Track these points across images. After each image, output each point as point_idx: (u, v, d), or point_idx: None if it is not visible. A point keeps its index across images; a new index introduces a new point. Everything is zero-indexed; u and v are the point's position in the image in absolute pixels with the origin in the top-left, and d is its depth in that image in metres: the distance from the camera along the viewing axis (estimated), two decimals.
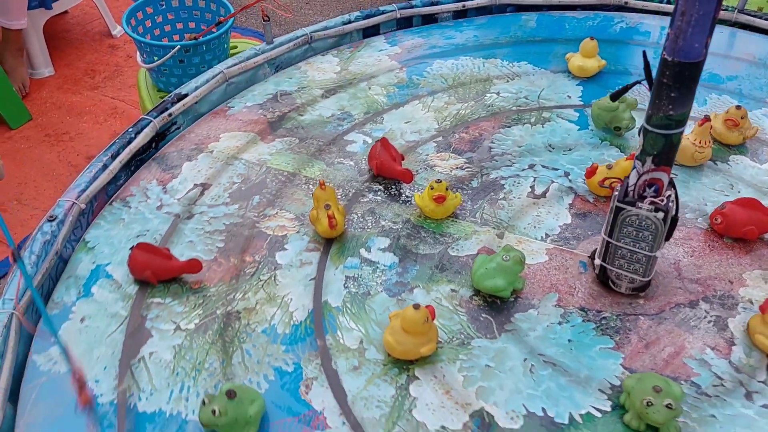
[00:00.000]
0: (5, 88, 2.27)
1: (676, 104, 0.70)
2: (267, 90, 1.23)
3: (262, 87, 1.24)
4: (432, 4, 1.41)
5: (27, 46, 2.51)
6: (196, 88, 1.16)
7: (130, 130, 1.06)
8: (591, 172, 0.97)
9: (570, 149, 1.08)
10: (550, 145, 1.09)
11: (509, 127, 1.13)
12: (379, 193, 1.01)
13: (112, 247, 0.93)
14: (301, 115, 1.16)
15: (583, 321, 0.82)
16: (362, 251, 0.91)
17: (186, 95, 1.14)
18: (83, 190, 0.95)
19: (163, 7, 1.83)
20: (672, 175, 0.77)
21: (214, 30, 1.65)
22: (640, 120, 1.09)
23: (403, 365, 0.77)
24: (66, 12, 2.84)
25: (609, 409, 0.73)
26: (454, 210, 0.97)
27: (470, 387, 0.75)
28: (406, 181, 1.00)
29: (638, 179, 0.77)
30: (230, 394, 0.69)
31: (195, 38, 1.65)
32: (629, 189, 0.78)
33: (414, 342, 0.76)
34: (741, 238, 0.91)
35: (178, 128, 1.13)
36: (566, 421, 0.72)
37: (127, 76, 2.67)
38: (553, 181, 1.02)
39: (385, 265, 0.89)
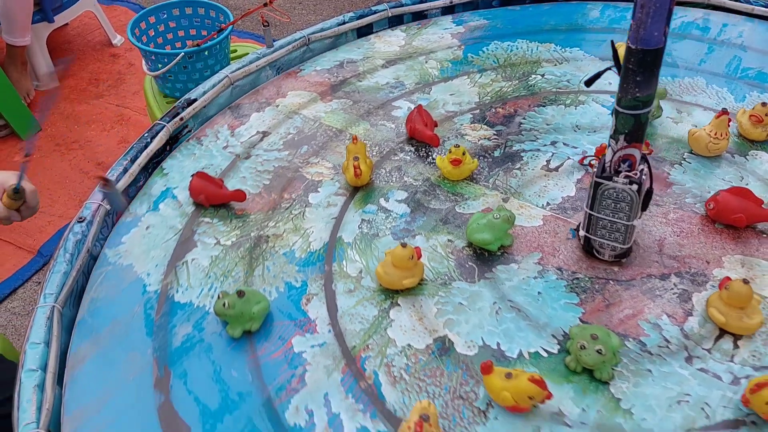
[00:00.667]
0: (14, 100, 2.39)
1: (642, 87, 0.79)
2: (336, 57, 1.38)
3: (332, 54, 1.39)
4: (421, 2, 1.49)
5: (31, 59, 2.64)
6: (204, 92, 1.25)
7: (146, 135, 1.16)
8: (600, 151, 1.05)
9: (595, 131, 1.15)
10: (577, 126, 1.17)
11: (544, 106, 1.22)
12: (409, 153, 1.14)
13: (181, 175, 1.12)
14: (360, 81, 1.31)
15: (557, 279, 0.92)
16: (381, 200, 1.05)
17: (195, 100, 1.23)
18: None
19: (165, 16, 1.94)
20: (685, 162, 0.87)
21: (215, 36, 1.76)
22: (669, 109, 1.16)
23: (390, 294, 0.91)
24: (66, 24, 2.95)
25: (556, 351, 0.83)
26: (470, 174, 1.08)
27: (440, 318, 0.88)
28: (434, 144, 1.13)
29: (613, 156, 0.85)
30: (240, 294, 0.86)
31: (197, 45, 1.75)
32: (606, 165, 0.87)
33: (399, 275, 0.89)
34: (731, 225, 0.96)
35: (189, 131, 1.22)
36: (515, 356, 0.83)
37: (130, 84, 2.75)
38: (569, 158, 1.10)
39: (397, 214, 1.03)
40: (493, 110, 1.22)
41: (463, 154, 1.05)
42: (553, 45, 1.38)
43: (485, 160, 1.12)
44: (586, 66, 1.31)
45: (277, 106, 1.27)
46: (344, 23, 1.42)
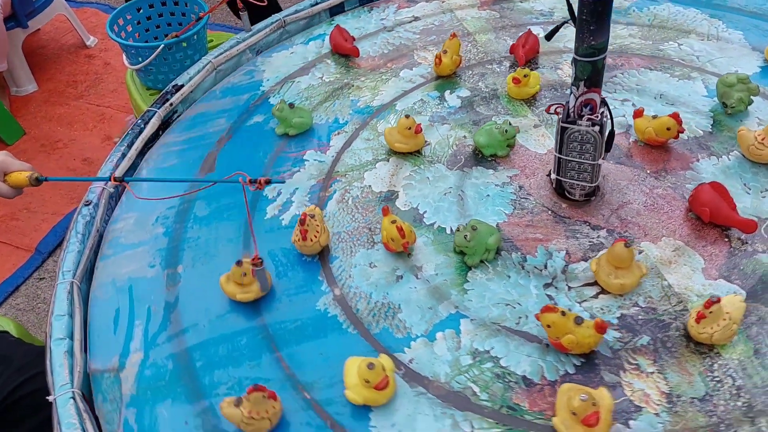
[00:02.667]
0: None
1: (596, 35, 0.87)
2: None
3: None
4: None
5: (9, 65, 2.67)
6: (190, 78, 1.30)
7: (139, 121, 1.21)
8: (638, 114, 1.08)
9: (672, 104, 1.15)
10: (661, 95, 1.18)
11: (651, 69, 1.24)
12: (502, 66, 1.31)
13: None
14: (521, 3, 1.48)
15: (512, 192, 1.05)
16: (447, 92, 1.26)
17: (182, 85, 1.28)
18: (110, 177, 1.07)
19: (141, 12, 1.97)
20: (724, 158, 0.98)
21: (192, 26, 1.77)
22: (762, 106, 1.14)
23: (389, 153, 1.15)
24: (38, 29, 2.95)
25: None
26: (528, 96, 1.21)
27: (404, 180, 1.08)
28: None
29: (576, 101, 0.92)
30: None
31: (176, 36, 1.76)
32: (570, 111, 0.94)
33: (397, 138, 1.11)
34: (704, 218, 0.96)
35: (179, 115, 1.27)
36: (428, 223, 1.01)
37: (108, 83, 2.79)
38: (623, 116, 1.14)
39: (448, 104, 1.22)
40: (610, 60, 1.24)
41: (525, 76, 1.17)
42: (721, 22, 1.34)
43: (554, 93, 1.21)
44: (728, 49, 1.27)
45: (443, 1, 1.48)
46: (317, 4, 1.47)
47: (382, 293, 0.92)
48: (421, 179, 1.08)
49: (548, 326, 0.81)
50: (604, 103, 0.95)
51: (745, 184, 1.01)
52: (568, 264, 0.93)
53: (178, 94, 1.26)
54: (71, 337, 0.88)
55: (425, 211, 1.03)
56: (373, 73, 1.31)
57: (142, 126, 1.20)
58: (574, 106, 0.93)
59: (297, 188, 1.09)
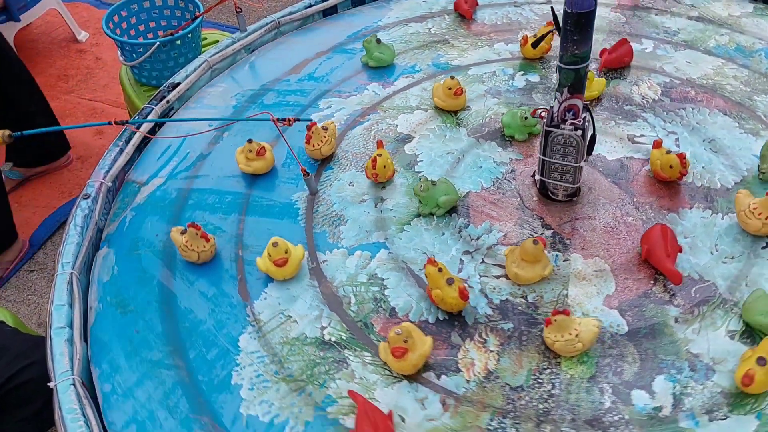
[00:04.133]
0: None
1: (579, 45, 0.90)
2: None
3: None
4: None
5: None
6: (187, 76, 1.31)
7: (137, 118, 1.24)
8: (657, 144, 1.06)
9: (714, 152, 1.10)
10: (711, 140, 1.12)
11: (725, 114, 1.17)
12: None
13: None
14: None
15: (503, 171, 1.11)
16: None
17: (179, 83, 1.30)
18: (107, 171, 1.13)
19: (136, 9, 2.02)
20: (708, 210, 0.97)
21: (188, 25, 1.84)
22: None
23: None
24: (30, 23, 2.92)
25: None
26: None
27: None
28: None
29: (559, 107, 0.96)
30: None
31: (171, 34, 1.81)
32: (554, 115, 0.98)
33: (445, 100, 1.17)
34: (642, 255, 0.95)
35: (176, 112, 1.29)
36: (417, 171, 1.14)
37: (100, 78, 2.76)
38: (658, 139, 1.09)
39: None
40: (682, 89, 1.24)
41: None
42: None
43: (614, 104, 1.23)
44: None
45: None
46: (311, 6, 1.50)
47: (342, 206, 1.07)
48: (439, 135, 1.18)
49: (426, 276, 0.91)
50: (586, 108, 0.98)
51: (715, 245, 0.97)
52: (497, 244, 1.00)
53: (174, 92, 1.28)
54: (71, 326, 0.90)
55: (421, 160, 1.14)
56: (473, 37, 1.40)
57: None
58: (558, 110, 0.97)
59: (344, 107, 1.26)
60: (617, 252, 0.97)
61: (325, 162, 1.15)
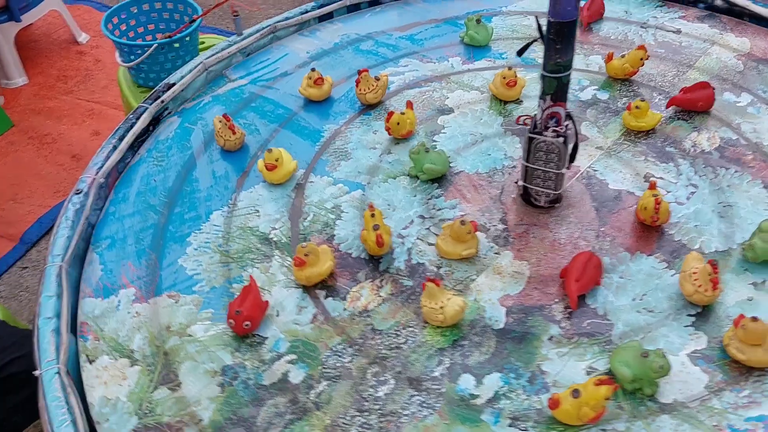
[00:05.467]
0: None
1: (562, 53, 0.92)
2: None
3: None
4: None
5: (0, 59, 2.69)
6: (182, 77, 1.34)
7: (131, 116, 1.26)
8: (651, 185, 1.04)
9: (722, 217, 1.04)
10: (724, 207, 1.06)
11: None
12: None
13: None
14: None
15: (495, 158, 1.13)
16: None
17: (174, 84, 1.32)
18: (100, 168, 1.15)
19: (135, 11, 2.04)
20: (664, 263, 0.97)
21: (186, 28, 1.86)
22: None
23: None
24: (31, 24, 2.89)
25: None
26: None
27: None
28: None
29: (542, 114, 0.99)
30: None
31: (169, 37, 1.83)
32: (537, 122, 1.01)
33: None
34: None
35: (170, 113, 1.31)
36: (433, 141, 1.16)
37: (99, 79, 2.75)
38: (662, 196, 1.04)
39: None
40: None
41: (636, 107, 1.18)
42: None
43: (669, 140, 1.20)
44: None
45: (711, 43, 1.42)
46: (307, 12, 1.52)
47: (354, 146, 1.21)
48: (476, 117, 1.24)
49: (363, 217, 1.03)
50: (569, 116, 0.99)
51: (642, 295, 0.94)
52: (452, 219, 1.07)
53: (169, 92, 1.31)
54: (58, 317, 0.92)
55: (444, 132, 1.22)
56: (581, 44, 1.41)
57: (134, 120, 1.25)
58: (541, 118, 1.00)
59: (417, 70, 1.37)
60: (546, 265, 0.99)
61: (370, 107, 1.29)
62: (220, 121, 1.21)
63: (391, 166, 1.17)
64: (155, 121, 1.29)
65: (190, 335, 0.93)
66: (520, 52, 1.01)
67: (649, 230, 1.03)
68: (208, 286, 1.00)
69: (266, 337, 0.93)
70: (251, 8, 1.63)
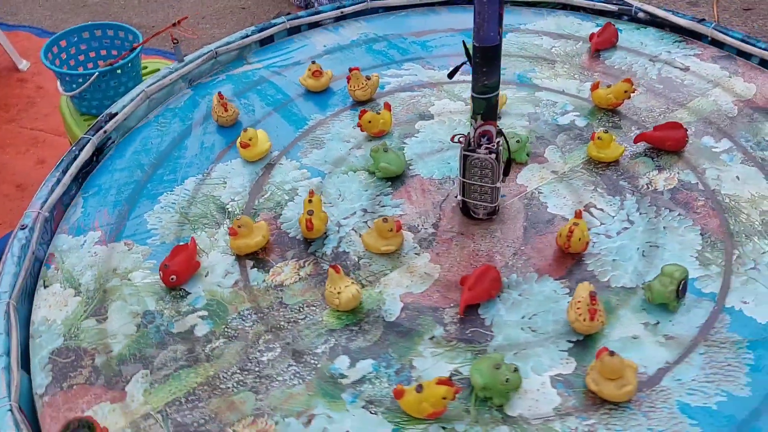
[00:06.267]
0: None
1: (488, 76, 0.98)
2: (41, 363, 1.21)
3: (39, 368, 1.07)
4: (315, 14, 1.61)
5: None
6: (124, 106, 1.35)
7: (74, 148, 1.26)
8: (576, 214, 1.06)
9: (655, 246, 1.07)
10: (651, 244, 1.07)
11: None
12: None
13: None
14: None
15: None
16: None
17: (116, 113, 1.33)
18: (45, 202, 1.16)
19: (76, 39, 2.03)
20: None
21: (127, 55, 1.86)
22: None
23: None
24: None
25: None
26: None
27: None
28: None
29: (475, 132, 1.04)
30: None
31: (111, 64, 1.83)
32: (470, 140, 1.06)
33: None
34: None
35: (113, 142, 1.33)
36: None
37: (42, 106, 2.66)
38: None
39: None
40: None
41: (599, 138, 1.27)
42: None
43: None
44: None
45: (718, 85, 1.54)
46: (247, 36, 1.53)
47: (330, 137, 1.30)
48: (451, 126, 1.30)
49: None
50: (500, 133, 1.04)
51: (532, 315, 0.98)
52: (387, 220, 1.13)
53: (111, 122, 1.32)
54: (8, 354, 0.93)
55: (416, 137, 1.29)
56: (577, 68, 1.43)
57: (77, 152, 1.26)
58: (474, 136, 1.05)
59: (416, 75, 1.44)
60: (456, 272, 1.05)
61: (360, 104, 1.38)
62: (216, 99, 1.34)
63: (357, 161, 1.25)
64: (99, 152, 1.30)
65: (129, 279, 1.07)
66: (450, 75, 1.06)
67: (567, 257, 1.06)
68: (160, 241, 1.13)
69: (189, 293, 1.05)
70: (191, 36, 1.59)
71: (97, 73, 1.86)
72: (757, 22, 2.97)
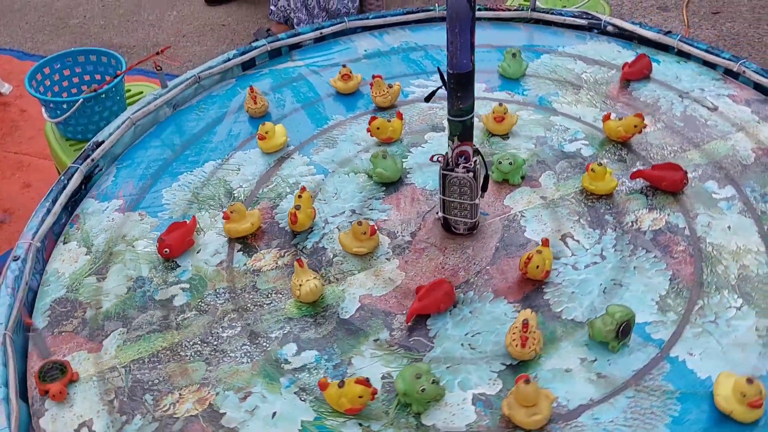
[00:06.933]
0: None
1: (462, 100, 1.03)
2: (42, 308, 1.25)
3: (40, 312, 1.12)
4: (295, 35, 1.63)
5: None
6: (110, 134, 1.37)
7: (63, 177, 1.29)
8: (544, 242, 1.09)
9: (620, 285, 1.07)
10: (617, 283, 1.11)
11: None
12: None
13: None
14: None
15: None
16: None
17: (103, 141, 1.35)
18: (35, 232, 1.18)
19: (59, 67, 2.04)
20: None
21: (110, 81, 1.88)
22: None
23: None
24: None
25: None
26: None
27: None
28: None
29: (452, 153, 1.09)
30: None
31: (95, 90, 1.85)
32: (449, 160, 1.10)
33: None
34: None
35: (101, 170, 1.35)
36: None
37: (25, 130, 2.65)
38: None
39: None
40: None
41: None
42: None
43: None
44: None
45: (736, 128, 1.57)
46: (229, 60, 1.55)
47: (344, 138, 1.38)
48: None
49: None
50: (477, 152, 1.09)
51: (473, 332, 1.02)
52: (374, 221, 1.19)
53: (98, 150, 1.34)
54: (6, 385, 0.96)
55: (423, 147, 1.34)
56: (600, 96, 1.43)
57: (66, 182, 1.28)
58: (452, 156, 1.09)
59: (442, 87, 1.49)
60: (418, 281, 1.10)
61: (382, 110, 1.45)
62: (248, 91, 1.45)
63: (361, 163, 1.33)
64: (87, 179, 1.33)
65: (133, 246, 1.20)
66: (427, 99, 1.10)
67: (528, 282, 1.09)
68: (169, 215, 1.26)
69: (179, 266, 1.16)
70: (173, 63, 1.64)
71: (81, 100, 1.88)
72: (725, 25, 3.03)
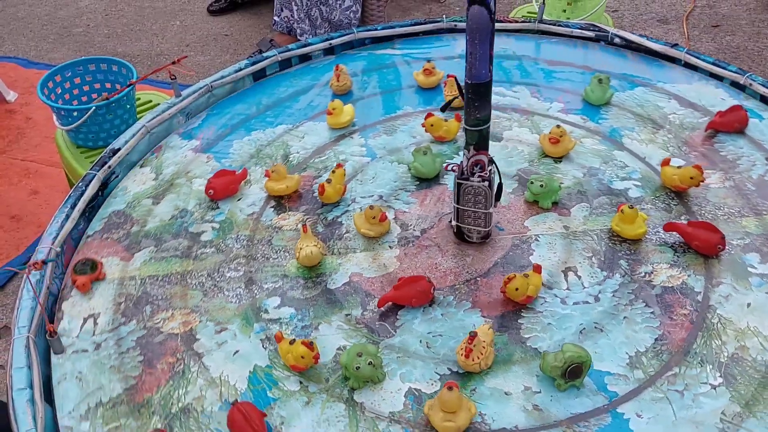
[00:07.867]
0: None
1: (480, 110, 1.05)
2: (102, 215, 1.32)
3: (99, 218, 1.31)
4: (304, 46, 1.66)
5: None
6: (126, 141, 1.40)
7: (80, 184, 1.31)
8: (536, 268, 1.09)
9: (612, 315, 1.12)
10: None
11: None
12: None
13: None
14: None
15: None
16: None
17: (119, 149, 1.38)
18: (55, 237, 1.20)
19: (69, 75, 2.08)
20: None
21: (122, 90, 1.94)
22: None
23: None
24: None
25: None
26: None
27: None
28: None
29: (468, 162, 1.11)
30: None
31: (107, 98, 1.90)
32: (464, 169, 1.12)
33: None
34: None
35: (117, 177, 1.38)
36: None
37: (31, 137, 2.68)
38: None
39: None
40: None
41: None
42: None
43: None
44: None
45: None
46: (241, 70, 1.57)
47: (403, 127, 1.44)
48: (506, 153, 1.36)
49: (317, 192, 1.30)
50: (491, 161, 1.11)
51: (440, 333, 1.05)
52: (396, 211, 1.25)
53: (115, 157, 1.37)
54: (31, 387, 0.97)
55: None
56: (683, 144, 1.36)
57: (83, 188, 1.31)
58: (467, 165, 1.11)
59: (519, 99, 1.50)
60: (408, 273, 1.15)
61: (451, 109, 1.47)
62: (335, 69, 1.55)
63: (408, 156, 1.38)
64: (104, 186, 1.36)
65: (191, 182, 1.37)
66: (443, 108, 1.12)
67: (509, 303, 1.09)
68: (230, 163, 1.40)
69: (219, 208, 1.31)
70: (187, 72, 1.63)
71: (93, 108, 1.91)
72: (725, 38, 3.05)
